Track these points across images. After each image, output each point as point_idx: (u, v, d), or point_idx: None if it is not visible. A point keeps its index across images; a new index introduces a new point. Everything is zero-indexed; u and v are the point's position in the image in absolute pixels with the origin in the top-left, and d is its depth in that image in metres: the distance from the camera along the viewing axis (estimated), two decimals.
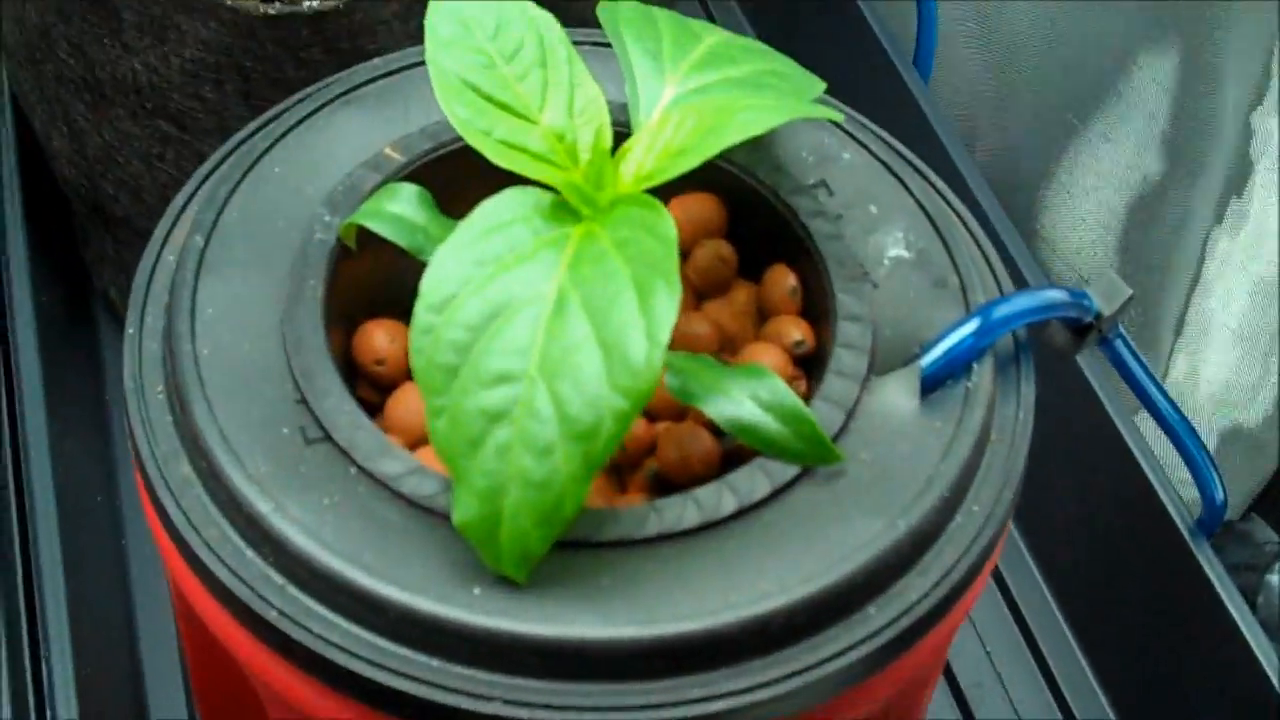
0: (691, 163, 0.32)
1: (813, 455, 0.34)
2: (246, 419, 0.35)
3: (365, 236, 0.37)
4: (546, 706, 0.32)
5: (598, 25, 0.38)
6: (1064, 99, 0.63)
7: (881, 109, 0.61)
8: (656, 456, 0.37)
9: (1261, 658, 0.47)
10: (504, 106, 0.34)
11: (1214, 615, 0.49)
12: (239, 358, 0.36)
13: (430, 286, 0.32)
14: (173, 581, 0.37)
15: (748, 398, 0.34)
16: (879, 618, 0.33)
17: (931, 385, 0.36)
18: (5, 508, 0.53)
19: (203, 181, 0.39)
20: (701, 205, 0.40)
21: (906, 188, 0.39)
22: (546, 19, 0.35)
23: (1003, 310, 0.37)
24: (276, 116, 0.40)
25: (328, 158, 0.39)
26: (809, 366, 0.39)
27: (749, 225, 0.40)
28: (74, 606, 0.49)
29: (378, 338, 0.38)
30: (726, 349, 0.39)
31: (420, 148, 0.39)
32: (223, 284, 0.37)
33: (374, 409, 0.38)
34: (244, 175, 0.38)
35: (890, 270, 0.38)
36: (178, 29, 0.46)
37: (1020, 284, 0.52)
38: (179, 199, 0.39)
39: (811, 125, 0.40)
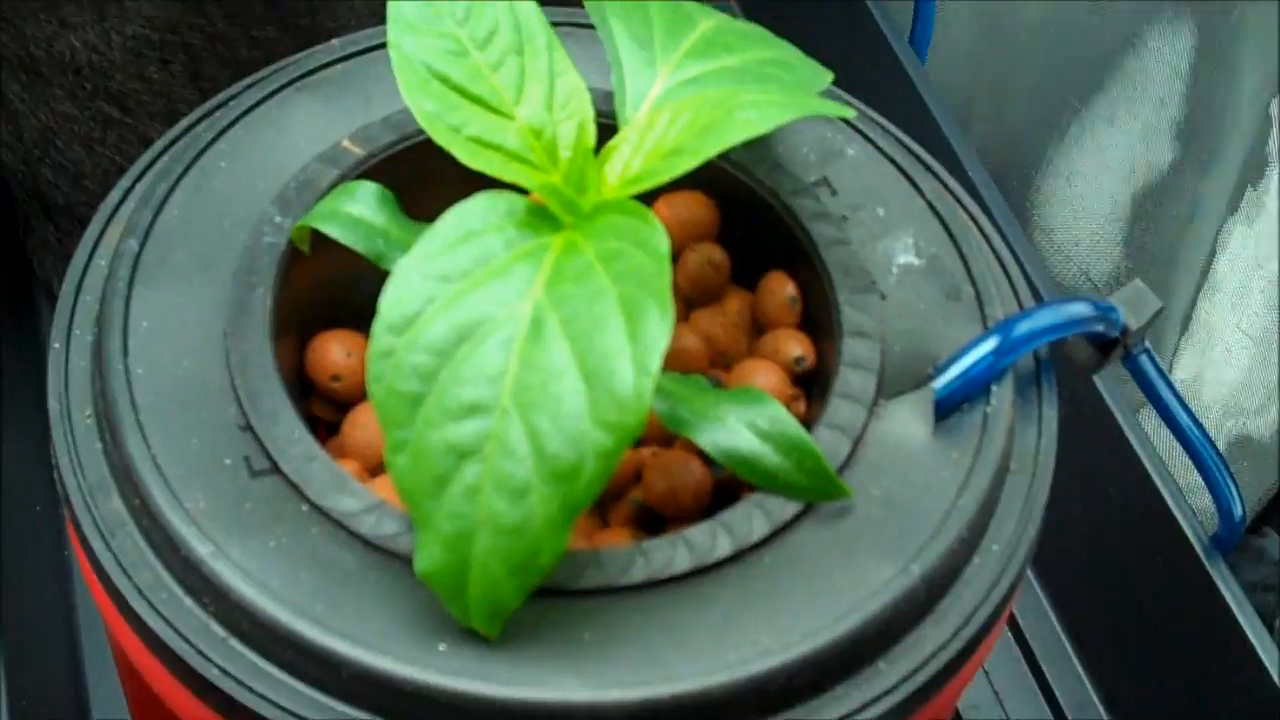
0: (685, 165, 0.29)
1: (817, 491, 0.32)
2: (184, 447, 0.32)
3: (320, 237, 0.34)
4: None
5: (576, 2, 0.35)
6: (1066, 79, 0.61)
7: (876, 88, 0.58)
8: (642, 487, 0.34)
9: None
10: (476, 99, 0.30)
11: (1229, 637, 0.47)
12: (177, 377, 0.33)
13: (390, 305, 0.29)
14: (106, 625, 0.33)
15: (744, 426, 0.32)
16: (890, 674, 0.31)
17: (946, 410, 0.34)
18: None
19: (139, 176, 0.36)
20: (691, 205, 0.37)
21: (917, 187, 0.37)
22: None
23: (1024, 327, 0.34)
24: (223, 104, 0.37)
25: (280, 151, 0.36)
26: (808, 383, 0.36)
27: (743, 227, 0.37)
28: (10, 623, 0.46)
29: (333, 351, 0.35)
30: (718, 363, 0.36)
31: (382, 140, 0.36)
32: (160, 293, 0.34)
33: (330, 426, 0.36)
34: (185, 170, 0.35)
35: (899, 279, 0.35)
36: (119, 4, 0.43)
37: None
38: (113, 195, 0.36)
39: (814, 118, 0.37)
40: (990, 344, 0.34)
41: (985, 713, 0.53)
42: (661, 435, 0.34)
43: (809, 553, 0.31)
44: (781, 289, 0.36)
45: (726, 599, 0.30)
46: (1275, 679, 0.45)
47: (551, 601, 0.30)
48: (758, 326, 0.37)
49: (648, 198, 0.31)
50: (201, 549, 0.30)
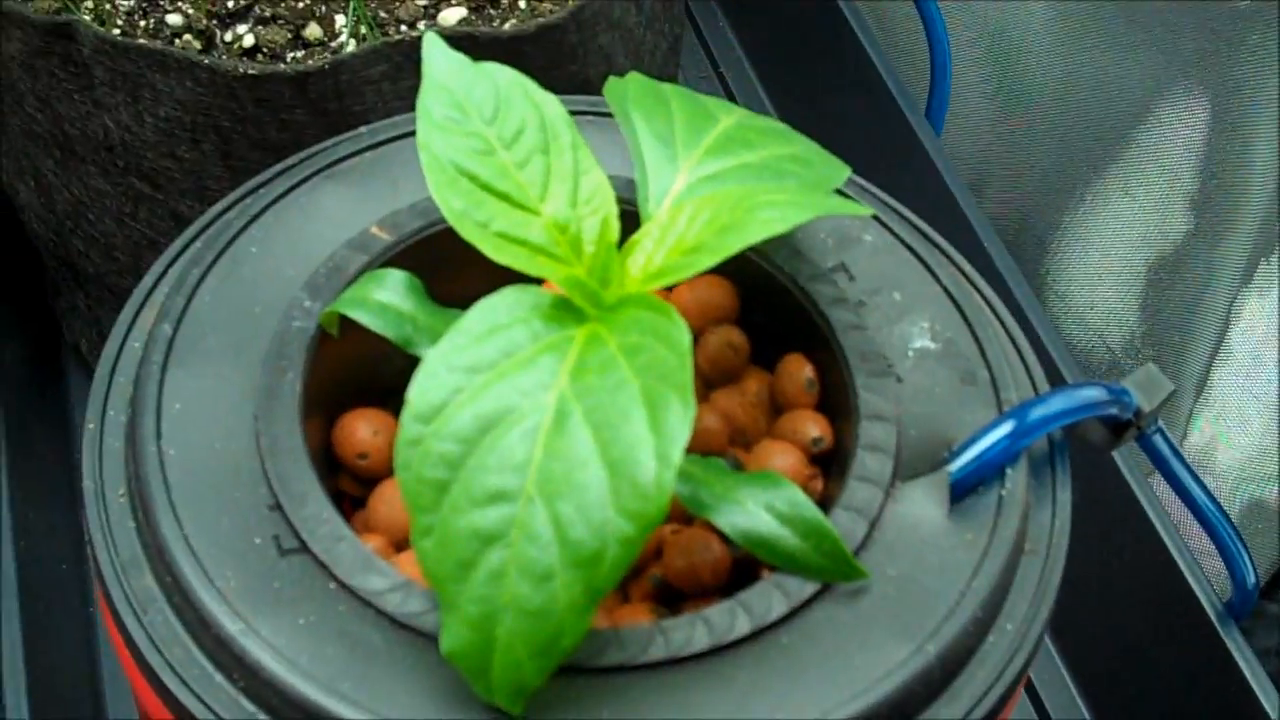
0: (706, 263, 0.30)
1: (834, 571, 0.32)
2: (216, 527, 0.32)
3: (348, 319, 0.34)
4: None
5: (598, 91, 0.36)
6: (1079, 150, 0.61)
7: (893, 160, 0.59)
8: (662, 563, 0.34)
9: None
10: (503, 196, 0.31)
11: (1243, 702, 0.47)
12: (208, 459, 0.33)
13: (419, 395, 0.29)
14: (136, 697, 0.34)
15: (763, 509, 0.32)
16: None
17: (961, 492, 0.34)
18: None
19: (173, 261, 0.37)
20: (712, 289, 0.38)
21: (932, 273, 0.37)
22: (548, 99, 0.32)
23: (1038, 412, 0.34)
24: (254, 190, 0.37)
25: (309, 237, 0.36)
26: (826, 462, 0.36)
27: (763, 310, 0.38)
28: (36, 684, 0.46)
29: (360, 430, 0.35)
30: (737, 441, 0.37)
31: (410, 226, 0.36)
32: (192, 377, 0.34)
33: (356, 500, 0.36)
34: (217, 256, 0.36)
35: (915, 363, 0.36)
36: (151, 87, 0.43)
37: (1041, 357, 0.50)
38: (147, 280, 0.36)
39: None
40: (1005, 428, 0.34)
41: None
42: (682, 513, 0.35)
43: (826, 632, 0.31)
44: (800, 371, 0.37)
45: (744, 678, 0.31)
46: None
47: (572, 679, 0.30)
48: (776, 407, 0.37)
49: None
50: (232, 626, 0.31)
